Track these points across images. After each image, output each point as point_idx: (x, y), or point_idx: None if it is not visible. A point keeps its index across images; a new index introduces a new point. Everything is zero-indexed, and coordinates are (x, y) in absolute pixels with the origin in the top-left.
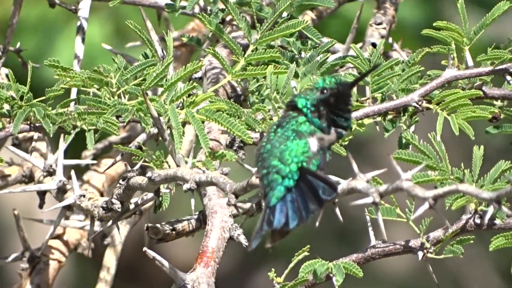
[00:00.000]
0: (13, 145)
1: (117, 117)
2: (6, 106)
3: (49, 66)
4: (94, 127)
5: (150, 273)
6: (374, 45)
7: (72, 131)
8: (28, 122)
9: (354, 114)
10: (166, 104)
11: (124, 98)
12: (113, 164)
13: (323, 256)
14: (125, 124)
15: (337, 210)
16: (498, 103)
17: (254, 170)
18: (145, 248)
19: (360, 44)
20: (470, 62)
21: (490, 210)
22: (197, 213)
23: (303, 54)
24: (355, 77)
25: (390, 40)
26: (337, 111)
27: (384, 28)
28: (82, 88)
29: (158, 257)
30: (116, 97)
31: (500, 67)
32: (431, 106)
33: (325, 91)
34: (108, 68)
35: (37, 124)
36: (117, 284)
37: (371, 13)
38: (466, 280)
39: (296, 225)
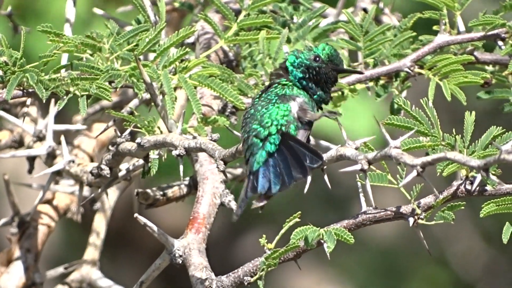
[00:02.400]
0: (3, 110)
1: (110, 82)
2: None
3: (42, 32)
4: (87, 93)
5: (140, 239)
6: (365, 10)
7: (65, 97)
8: (21, 88)
9: (346, 80)
10: (159, 69)
11: (117, 63)
12: (105, 129)
13: (312, 220)
14: (117, 89)
15: (326, 177)
16: (490, 68)
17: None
18: (136, 214)
19: (351, 9)
20: (462, 28)
21: (478, 178)
22: (188, 178)
23: (295, 19)
24: (348, 66)
25: (381, 5)
26: (320, 82)
27: None
28: (75, 53)
29: (149, 223)
30: (109, 63)
31: (492, 32)
32: (423, 71)
33: (318, 59)
34: (101, 33)
35: (30, 90)
36: (106, 249)
37: None
38: (449, 242)
39: (279, 190)
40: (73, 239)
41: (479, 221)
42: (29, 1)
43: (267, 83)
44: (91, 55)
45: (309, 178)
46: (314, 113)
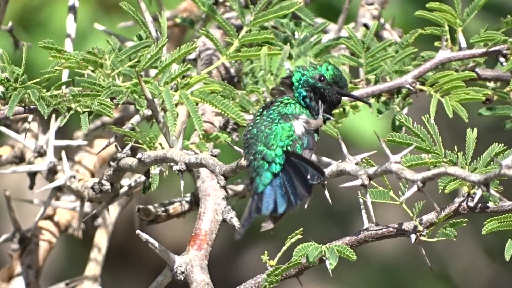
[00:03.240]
0: (5, 125)
1: (112, 99)
2: (1, 88)
3: (44, 48)
4: (88, 109)
5: (142, 255)
6: (366, 26)
7: (66, 113)
8: (23, 104)
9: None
10: (160, 86)
11: (119, 79)
12: (106, 146)
13: (313, 236)
14: (119, 105)
15: (326, 192)
16: (491, 84)
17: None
18: (138, 231)
19: (352, 25)
20: (463, 44)
21: (479, 193)
22: (189, 194)
23: (296, 35)
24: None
25: (382, 20)
26: (324, 103)
27: (376, 9)
28: (76, 70)
29: (151, 239)
30: (110, 79)
31: (494, 48)
32: (424, 88)
33: (322, 79)
34: (103, 49)
35: (31, 106)
36: (108, 265)
37: None
38: (451, 257)
39: (285, 210)
40: (75, 254)
41: (481, 236)
42: (31, 13)
43: (268, 99)
44: (92, 71)
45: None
46: (316, 120)
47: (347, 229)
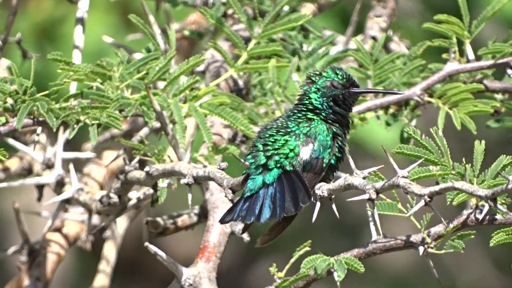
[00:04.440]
0: (13, 137)
1: (120, 111)
2: (10, 101)
3: (53, 60)
4: (97, 122)
5: (150, 266)
6: (374, 38)
7: (75, 126)
8: (32, 117)
9: (356, 108)
10: (169, 98)
11: (127, 92)
12: (116, 158)
13: (322, 247)
14: (127, 117)
15: (334, 206)
16: (499, 96)
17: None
18: (146, 243)
19: (360, 37)
20: (471, 55)
21: (486, 207)
22: (197, 207)
23: (304, 47)
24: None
25: (390, 32)
26: (342, 110)
27: (384, 21)
28: (85, 82)
29: (159, 251)
30: (119, 91)
31: (502, 60)
32: (432, 100)
33: (335, 84)
34: (111, 62)
35: (40, 119)
36: (116, 277)
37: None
38: (459, 269)
39: (267, 220)
40: (83, 266)
41: (490, 248)
42: (54, 25)
43: (277, 112)
44: (101, 83)
45: (317, 206)
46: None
47: (356, 241)
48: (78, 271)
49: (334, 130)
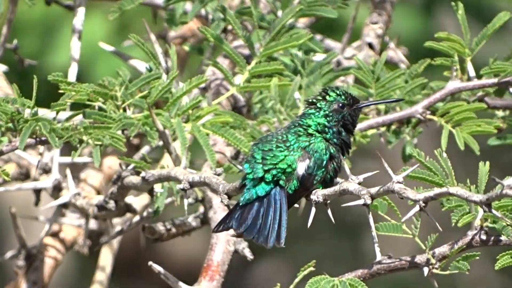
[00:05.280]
0: None
1: (123, 131)
2: None
3: (53, 81)
4: (100, 143)
5: (149, 271)
6: (370, 45)
7: (78, 145)
8: (34, 136)
9: (358, 126)
10: (171, 117)
11: (129, 111)
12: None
13: (323, 249)
14: (131, 137)
15: (329, 211)
16: (500, 112)
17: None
18: (150, 262)
19: (357, 43)
20: (472, 73)
21: (480, 213)
22: (195, 213)
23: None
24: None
25: (386, 38)
26: (348, 135)
27: (380, 28)
28: (87, 102)
29: (163, 270)
30: (121, 111)
31: (504, 80)
32: (435, 118)
33: (341, 105)
34: (113, 81)
35: (43, 138)
36: (114, 282)
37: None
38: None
39: (246, 236)
40: (81, 270)
41: (490, 249)
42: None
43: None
44: (103, 103)
45: (312, 212)
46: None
47: (357, 241)
48: (75, 274)
49: (332, 152)
